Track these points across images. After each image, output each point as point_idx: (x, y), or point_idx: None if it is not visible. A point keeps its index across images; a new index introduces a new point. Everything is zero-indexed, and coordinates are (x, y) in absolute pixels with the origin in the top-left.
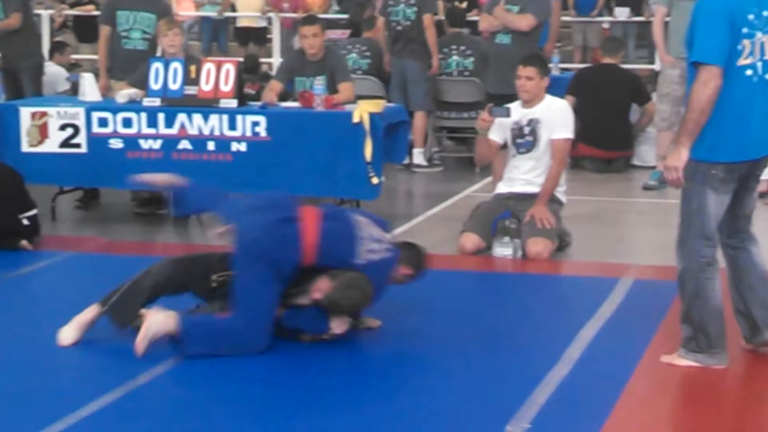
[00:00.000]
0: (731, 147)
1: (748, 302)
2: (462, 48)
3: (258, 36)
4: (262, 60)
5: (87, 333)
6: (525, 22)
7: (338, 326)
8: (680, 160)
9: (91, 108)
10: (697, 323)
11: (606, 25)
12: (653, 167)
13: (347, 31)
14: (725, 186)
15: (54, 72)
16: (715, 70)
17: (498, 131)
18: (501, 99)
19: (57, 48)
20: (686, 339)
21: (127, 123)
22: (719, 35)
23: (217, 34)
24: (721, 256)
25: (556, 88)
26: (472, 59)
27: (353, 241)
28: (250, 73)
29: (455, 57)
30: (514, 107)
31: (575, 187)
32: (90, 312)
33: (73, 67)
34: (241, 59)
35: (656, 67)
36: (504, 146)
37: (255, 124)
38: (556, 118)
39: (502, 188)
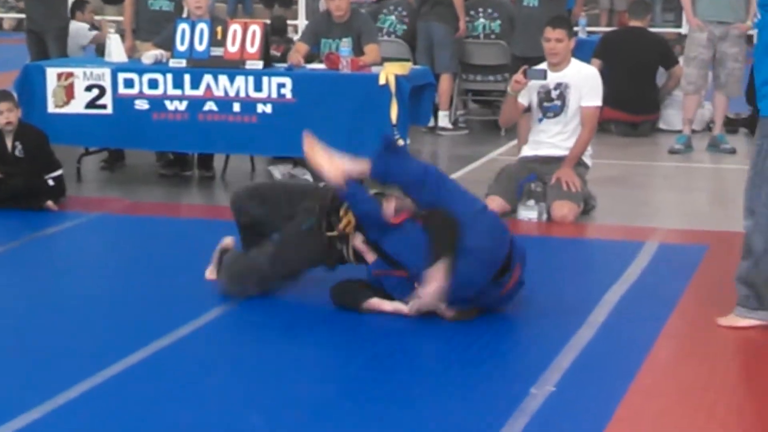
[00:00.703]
0: None
1: None
2: (489, 11)
3: None
4: (288, 22)
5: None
6: None
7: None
8: None
9: (117, 69)
10: (763, 280)
11: None
12: (679, 131)
13: None
14: None
15: (76, 27)
16: None
17: (525, 93)
18: (527, 62)
19: (78, 6)
20: (744, 298)
21: (153, 84)
22: None
23: None
24: None
25: (582, 51)
26: (498, 22)
27: None
28: (276, 34)
29: (482, 20)
30: None
31: (601, 151)
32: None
33: (95, 28)
34: (267, 21)
35: (683, 30)
36: (528, 109)
37: (281, 85)
38: (586, 84)
39: (528, 151)
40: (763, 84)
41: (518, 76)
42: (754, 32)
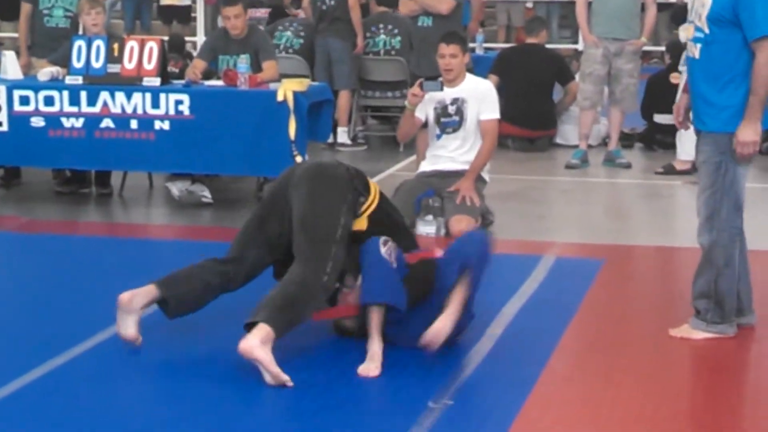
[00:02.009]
0: (765, 117)
1: (740, 284)
2: (389, 27)
3: (182, 14)
4: (187, 39)
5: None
6: (445, 5)
7: None
8: (757, 134)
9: (12, 86)
10: (721, 294)
11: (530, 5)
12: (576, 146)
13: (267, 10)
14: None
15: None
16: None
17: (422, 108)
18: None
19: None
20: (704, 311)
21: (48, 101)
22: None
23: (141, 12)
24: None
25: (480, 67)
26: (399, 38)
27: None
28: (174, 51)
29: (383, 36)
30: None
31: (498, 166)
32: (148, 293)
33: None
34: (165, 38)
35: (580, 46)
36: (425, 124)
37: (178, 102)
38: (482, 98)
39: (426, 167)
40: (717, 102)
41: (415, 89)
42: (648, 48)
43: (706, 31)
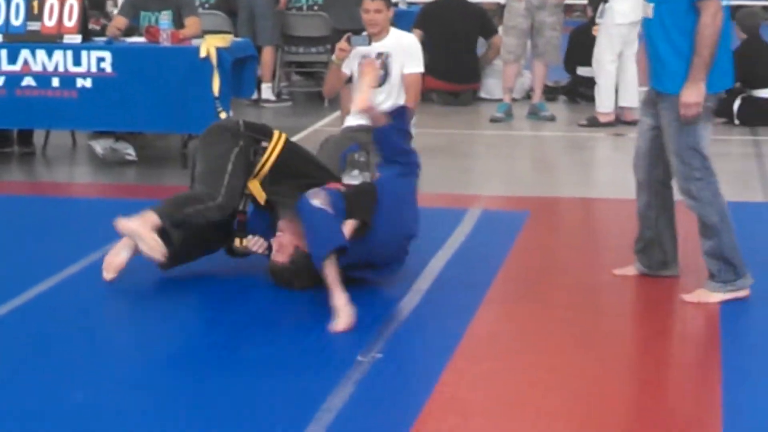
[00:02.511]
0: (723, 78)
1: (663, 238)
2: None
3: None
4: None
5: None
6: None
7: None
8: (700, 96)
9: None
10: (729, 249)
11: None
12: (500, 99)
13: None
14: (710, 118)
15: None
16: (719, 3)
17: (347, 63)
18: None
19: None
20: (716, 272)
21: None
22: None
23: None
24: None
25: (403, 22)
26: None
27: None
28: (95, 8)
29: None
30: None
31: (423, 120)
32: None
33: None
34: None
35: (503, 0)
36: (351, 79)
37: (100, 59)
38: (407, 52)
39: (351, 121)
40: (671, 63)
41: (342, 43)
42: (570, 2)
43: None
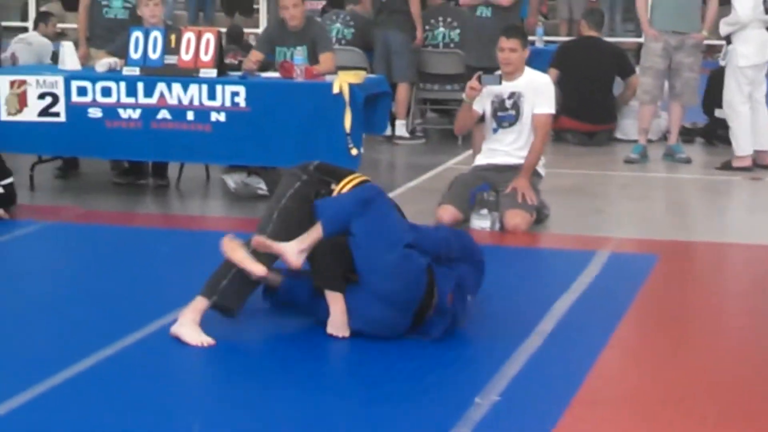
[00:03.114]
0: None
1: None
2: (448, 20)
3: (245, 6)
4: (250, 30)
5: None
6: None
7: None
8: None
9: (70, 77)
10: None
11: None
12: (635, 141)
13: (322, 2)
14: None
15: (41, 43)
16: None
17: (479, 101)
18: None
19: (42, 18)
20: None
21: (106, 92)
22: None
23: (204, 3)
24: None
25: (540, 61)
26: (458, 31)
27: None
28: (233, 43)
29: (441, 29)
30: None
31: (557, 160)
32: (195, 308)
33: (59, 37)
34: (222, 29)
35: (643, 40)
36: (483, 117)
37: (234, 94)
38: (539, 92)
39: (482, 160)
40: None
41: (473, 82)
42: (710, 42)
43: None
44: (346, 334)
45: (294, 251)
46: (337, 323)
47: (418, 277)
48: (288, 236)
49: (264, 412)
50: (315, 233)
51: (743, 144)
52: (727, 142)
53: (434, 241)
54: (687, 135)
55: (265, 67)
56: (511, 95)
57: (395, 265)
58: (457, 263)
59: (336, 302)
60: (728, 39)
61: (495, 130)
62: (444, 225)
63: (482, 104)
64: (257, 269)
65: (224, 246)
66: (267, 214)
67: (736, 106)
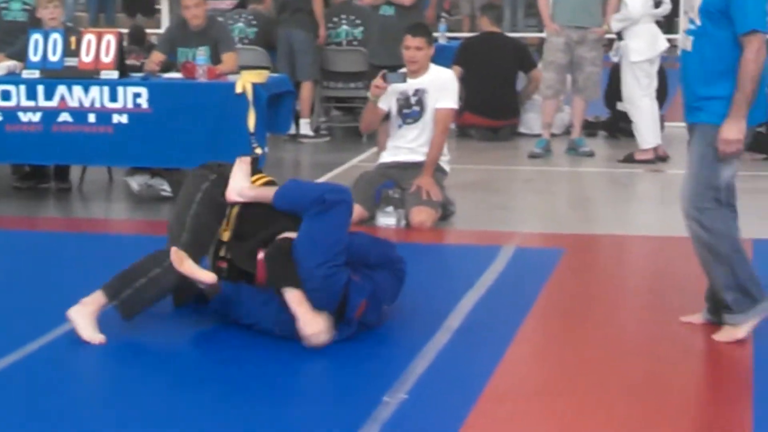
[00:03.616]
0: (756, 110)
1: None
2: (351, 17)
3: (146, 6)
4: (152, 31)
5: None
6: None
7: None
8: (741, 132)
9: None
10: (743, 278)
11: None
12: (539, 135)
13: (234, 2)
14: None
15: None
16: (763, 37)
17: (385, 99)
18: (384, 70)
19: None
20: (735, 303)
21: (5, 96)
22: (765, 2)
23: (105, 4)
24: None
25: (443, 57)
26: (361, 29)
27: None
28: (136, 44)
29: (344, 26)
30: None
31: (461, 156)
32: (96, 302)
33: None
34: (123, 30)
35: (545, 35)
36: (388, 115)
37: (136, 95)
38: (442, 88)
39: (386, 158)
40: (707, 95)
41: (378, 80)
42: (611, 36)
43: (698, 23)
44: (323, 329)
45: (239, 189)
46: (308, 320)
47: (335, 293)
48: (202, 246)
49: (167, 415)
50: (265, 193)
51: (647, 137)
52: (628, 134)
53: (352, 248)
54: (590, 129)
55: (167, 67)
56: (416, 92)
57: (319, 282)
58: (375, 270)
59: (296, 301)
60: (619, 35)
61: (400, 126)
62: (363, 231)
63: (388, 102)
64: (207, 278)
65: (172, 257)
66: (177, 220)
67: (636, 101)
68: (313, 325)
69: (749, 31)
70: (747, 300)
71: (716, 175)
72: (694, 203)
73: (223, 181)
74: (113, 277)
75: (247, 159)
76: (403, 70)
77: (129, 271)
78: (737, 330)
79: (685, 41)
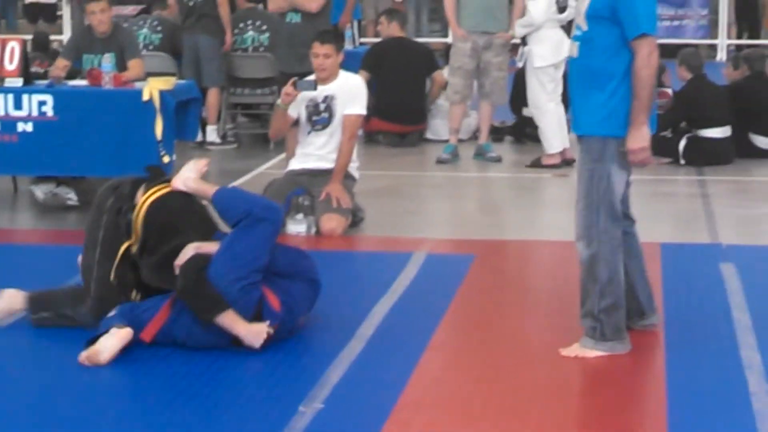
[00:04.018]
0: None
1: (636, 286)
2: (258, 23)
3: (48, 12)
4: (55, 37)
5: None
6: (314, 3)
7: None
8: (646, 140)
9: None
10: (605, 312)
11: None
12: (446, 140)
13: (138, 7)
14: (626, 164)
15: None
16: (654, 41)
17: (294, 106)
18: (293, 77)
19: None
20: (591, 329)
21: None
22: (654, 5)
23: (6, 11)
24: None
25: (350, 62)
26: (267, 35)
27: None
28: (40, 50)
29: (251, 32)
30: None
31: (370, 162)
32: (17, 304)
33: None
34: (28, 37)
35: (450, 40)
36: (297, 122)
37: (42, 103)
38: (350, 94)
39: (296, 165)
40: (593, 103)
41: (288, 88)
42: (517, 41)
43: (585, 28)
44: (262, 330)
45: (185, 179)
46: (251, 335)
47: (247, 309)
48: (109, 297)
49: (77, 427)
50: (205, 189)
51: (553, 142)
52: (535, 139)
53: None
54: (497, 134)
55: (72, 74)
56: (325, 99)
57: (233, 297)
58: (288, 280)
59: (233, 322)
60: (524, 40)
61: (309, 133)
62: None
63: (297, 109)
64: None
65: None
66: (90, 238)
67: (541, 106)
68: (255, 336)
69: (639, 35)
70: (603, 332)
71: (610, 187)
72: (587, 221)
73: (127, 194)
74: (39, 293)
75: (205, 160)
76: (313, 77)
77: (54, 296)
78: (586, 352)
79: (572, 48)
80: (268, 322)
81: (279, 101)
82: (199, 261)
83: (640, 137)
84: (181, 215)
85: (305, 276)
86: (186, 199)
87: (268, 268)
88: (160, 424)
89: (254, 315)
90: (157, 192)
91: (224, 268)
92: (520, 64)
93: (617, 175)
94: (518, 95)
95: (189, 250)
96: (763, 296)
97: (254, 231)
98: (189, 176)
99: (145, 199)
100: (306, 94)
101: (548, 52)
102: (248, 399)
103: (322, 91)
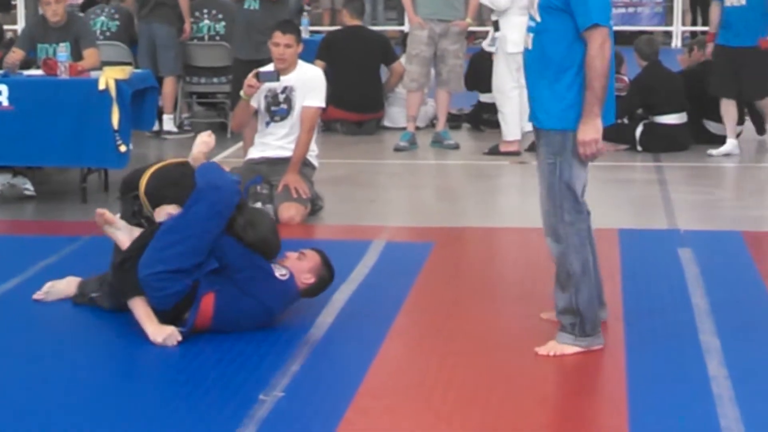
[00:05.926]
0: (606, 113)
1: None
2: (213, 12)
3: (2, 2)
4: (9, 27)
5: None
6: None
7: None
8: (598, 132)
9: None
10: (584, 305)
11: None
12: (404, 128)
13: None
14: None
15: None
16: (606, 31)
17: (254, 96)
18: (250, 65)
19: None
20: (570, 326)
21: None
22: None
23: None
24: None
25: (306, 52)
26: (223, 23)
27: None
28: None
29: (207, 21)
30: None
31: (328, 150)
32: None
33: None
34: None
35: (406, 28)
36: (256, 112)
37: None
38: (309, 86)
39: (254, 154)
40: (549, 95)
41: (251, 80)
42: (473, 29)
43: (538, 19)
44: (167, 334)
45: (193, 156)
46: (157, 338)
47: (166, 300)
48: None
49: (39, 416)
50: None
51: (513, 129)
52: (492, 125)
53: (217, 252)
54: (454, 121)
55: (27, 64)
56: (284, 90)
57: (149, 283)
58: (240, 292)
59: (146, 317)
60: (496, 25)
61: (268, 124)
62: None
63: (256, 99)
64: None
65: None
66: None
67: (507, 92)
68: (163, 340)
69: (591, 26)
70: (582, 327)
71: (571, 179)
72: (552, 213)
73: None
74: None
75: (212, 135)
76: (271, 66)
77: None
78: (564, 348)
79: (526, 39)
80: (179, 329)
81: (242, 93)
82: (147, 237)
83: (593, 129)
84: (177, 185)
85: (260, 299)
86: (186, 169)
87: (227, 272)
88: (118, 414)
89: (178, 309)
90: (157, 166)
91: (151, 248)
92: (491, 49)
93: (578, 168)
94: (474, 81)
95: (163, 212)
96: (721, 281)
97: (189, 211)
98: (196, 152)
99: (147, 172)
100: (268, 85)
101: (521, 38)
102: (208, 388)
103: (282, 81)
